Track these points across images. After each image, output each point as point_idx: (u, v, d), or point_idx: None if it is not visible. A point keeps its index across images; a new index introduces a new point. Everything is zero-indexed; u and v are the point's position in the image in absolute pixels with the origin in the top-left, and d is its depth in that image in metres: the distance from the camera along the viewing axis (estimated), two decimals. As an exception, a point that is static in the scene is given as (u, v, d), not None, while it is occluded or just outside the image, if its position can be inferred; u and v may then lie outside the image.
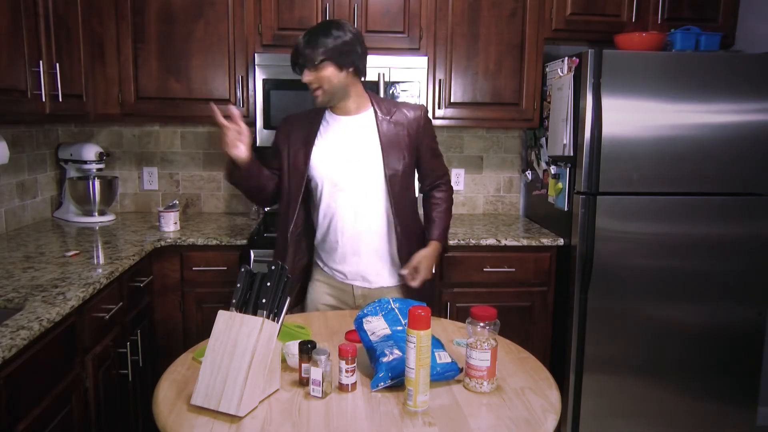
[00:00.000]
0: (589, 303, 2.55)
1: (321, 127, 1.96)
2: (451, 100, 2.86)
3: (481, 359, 1.38)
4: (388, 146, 1.91)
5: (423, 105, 2.02)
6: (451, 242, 2.56)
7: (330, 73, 1.81)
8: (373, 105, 1.94)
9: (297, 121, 2.01)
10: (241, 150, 1.81)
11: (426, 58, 2.72)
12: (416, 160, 2.00)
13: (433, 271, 2.04)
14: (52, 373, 1.60)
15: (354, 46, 1.83)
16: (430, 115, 2.06)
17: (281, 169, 1.99)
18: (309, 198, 2.02)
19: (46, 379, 1.56)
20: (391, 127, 1.92)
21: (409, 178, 2.00)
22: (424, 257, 1.95)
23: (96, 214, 2.87)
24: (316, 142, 1.95)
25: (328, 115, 1.97)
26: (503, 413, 1.31)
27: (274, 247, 2.07)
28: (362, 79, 1.91)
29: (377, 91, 2.69)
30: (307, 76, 1.82)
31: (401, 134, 1.93)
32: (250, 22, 2.73)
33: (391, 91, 2.72)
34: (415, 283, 1.93)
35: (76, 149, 2.85)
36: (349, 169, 1.92)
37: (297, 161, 1.95)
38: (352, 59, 1.83)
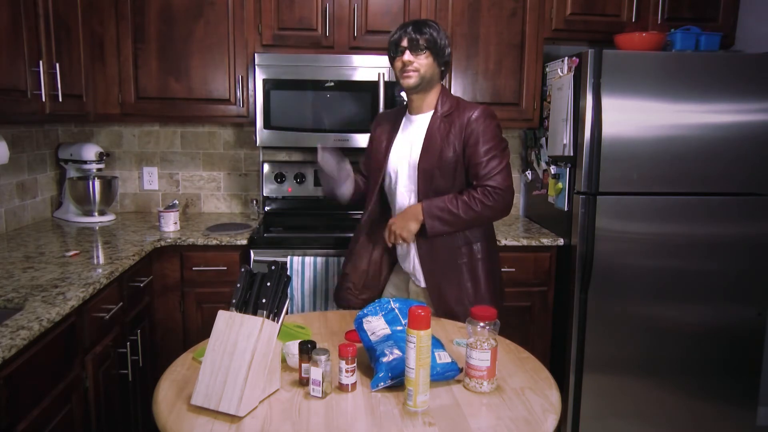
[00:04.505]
0: (589, 303, 2.55)
1: (401, 124, 2.06)
2: (451, 100, 2.86)
3: (481, 359, 1.38)
4: (429, 142, 1.95)
5: (484, 106, 1.96)
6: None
7: (428, 62, 1.92)
8: (437, 104, 1.98)
9: (384, 117, 2.17)
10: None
11: (426, 58, 2.72)
12: (466, 160, 1.94)
13: (408, 233, 1.91)
14: (52, 373, 1.60)
15: (449, 50, 1.99)
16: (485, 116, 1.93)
17: (367, 161, 2.15)
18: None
19: (46, 379, 1.56)
20: (442, 124, 1.95)
21: (451, 177, 1.94)
22: (397, 216, 1.95)
23: (96, 214, 2.87)
24: (396, 137, 2.05)
25: (407, 113, 2.06)
26: (503, 413, 1.31)
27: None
28: (442, 81, 2.02)
29: (377, 92, 2.69)
30: (408, 57, 1.92)
31: (448, 132, 1.93)
32: (250, 22, 2.73)
33: (391, 92, 2.72)
34: (388, 242, 1.97)
35: (76, 149, 2.85)
36: (402, 165, 2.01)
37: (378, 154, 2.08)
38: (446, 60, 1.98)
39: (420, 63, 1.91)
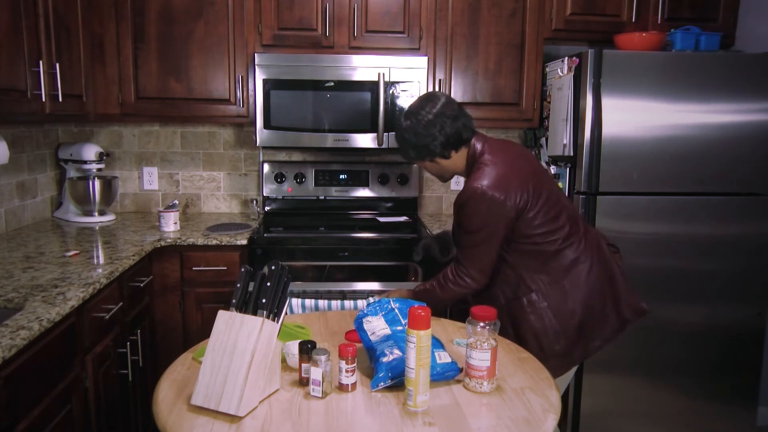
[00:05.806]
0: (589, 303, 2.55)
1: None
2: (451, 100, 2.86)
3: (481, 359, 1.38)
4: None
5: (473, 186, 1.76)
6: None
7: (426, 165, 1.92)
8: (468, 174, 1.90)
9: None
10: None
11: (426, 58, 2.72)
12: None
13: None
14: (52, 373, 1.60)
15: (409, 141, 1.83)
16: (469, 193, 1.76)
17: None
18: None
19: (46, 379, 1.56)
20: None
21: None
22: (394, 292, 2.02)
23: (96, 214, 2.87)
24: None
25: None
26: (503, 413, 1.31)
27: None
28: (455, 151, 1.83)
29: (377, 91, 2.69)
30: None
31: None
32: (250, 22, 2.73)
33: (391, 91, 2.72)
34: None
35: (76, 149, 2.85)
36: None
37: None
38: (421, 153, 1.85)
39: (426, 168, 1.93)
